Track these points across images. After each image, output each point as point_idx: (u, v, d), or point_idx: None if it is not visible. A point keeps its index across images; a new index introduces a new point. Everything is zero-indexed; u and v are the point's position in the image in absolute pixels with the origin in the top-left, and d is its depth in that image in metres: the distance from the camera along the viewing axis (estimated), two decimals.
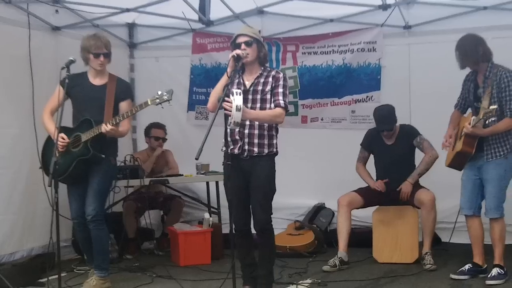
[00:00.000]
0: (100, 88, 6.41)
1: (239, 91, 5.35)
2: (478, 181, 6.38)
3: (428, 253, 7.06)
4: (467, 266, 6.44)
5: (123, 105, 6.42)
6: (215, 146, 5.69)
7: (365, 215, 7.82)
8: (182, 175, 8.36)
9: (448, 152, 6.69)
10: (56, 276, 5.89)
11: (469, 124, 6.11)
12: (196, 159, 5.09)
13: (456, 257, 6.26)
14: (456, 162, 6.50)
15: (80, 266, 7.39)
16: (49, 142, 6.39)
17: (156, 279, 6.92)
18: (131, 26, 9.42)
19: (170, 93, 6.03)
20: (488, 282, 6.17)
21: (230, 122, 5.27)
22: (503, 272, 6.22)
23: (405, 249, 7.28)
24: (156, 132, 8.61)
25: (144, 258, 7.97)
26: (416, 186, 7.34)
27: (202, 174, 8.26)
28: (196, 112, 9.44)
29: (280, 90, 5.71)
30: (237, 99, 5.23)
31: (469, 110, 6.56)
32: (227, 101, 5.29)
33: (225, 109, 5.32)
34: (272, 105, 5.71)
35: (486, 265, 6.45)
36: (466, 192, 6.45)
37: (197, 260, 7.57)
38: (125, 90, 6.54)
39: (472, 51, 6.22)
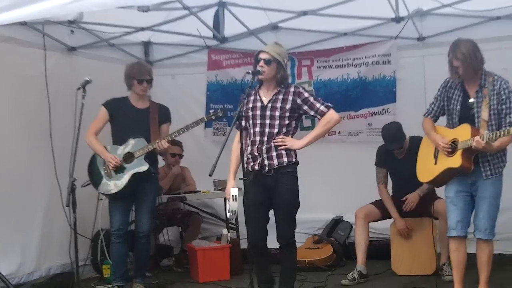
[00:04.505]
0: (143, 111, 6.90)
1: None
2: (468, 198, 5.83)
3: (446, 264, 7.03)
4: None
5: (164, 127, 6.96)
6: None
7: (383, 227, 7.78)
8: (200, 191, 8.39)
9: (425, 166, 6.13)
10: None
11: (481, 138, 5.42)
12: (210, 175, 5.18)
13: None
14: (442, 178, 5.92)
15: (99, 285, 7.44)
16: (95, 161, 6.81)
17: None
18: (146, 45, 9.46)
19: (222, 110, 6.72)
20: None
21: (229, 211, 5.59)
22: None
23: (423, 260, 7.23)
24: (172, 149, 8.60)
25: (163, 275, 8.02)
26: (433, 196, 7.29)
27: (220, 190, 8.27)
28: (214, 129, 9.46)
29: (312, 99, 5.86)
30: (232, 191, 5.58)
31: (443, 120, 6.11)
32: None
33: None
34: (318, 116, 5.86)
35: None
36: (457, 211, 5.82)
37: (216, 276, 7.58)
38: (165, 113, 7.07)
39: (472, 58, 5.62)
